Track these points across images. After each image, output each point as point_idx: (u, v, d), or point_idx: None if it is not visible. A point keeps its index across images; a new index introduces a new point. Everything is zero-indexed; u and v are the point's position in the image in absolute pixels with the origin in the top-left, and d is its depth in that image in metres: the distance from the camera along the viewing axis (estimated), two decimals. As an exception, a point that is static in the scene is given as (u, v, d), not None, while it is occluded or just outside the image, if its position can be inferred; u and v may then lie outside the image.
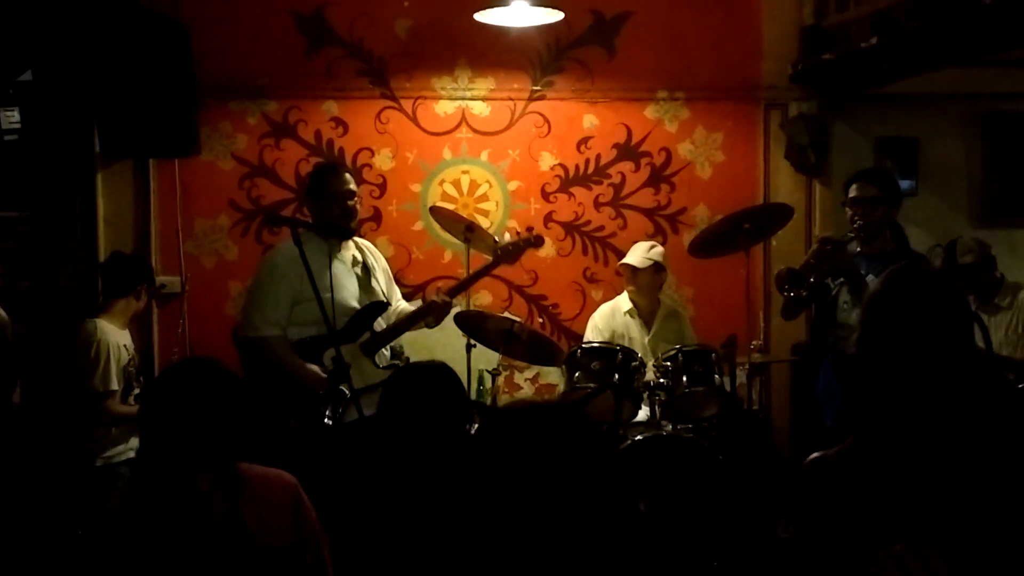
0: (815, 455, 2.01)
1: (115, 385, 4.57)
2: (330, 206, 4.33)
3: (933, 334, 1.90)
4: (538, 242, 4.70)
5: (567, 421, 1.56)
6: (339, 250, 4.34)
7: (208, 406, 2.46)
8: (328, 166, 4.73)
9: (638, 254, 5.27)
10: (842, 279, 4.40)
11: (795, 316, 4.78)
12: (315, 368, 4.17)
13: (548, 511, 1.48)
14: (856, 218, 4.41)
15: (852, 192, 4.45)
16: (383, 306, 4.40)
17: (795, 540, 1.97)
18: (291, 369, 4.19)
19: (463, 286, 4.64)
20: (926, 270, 2.06)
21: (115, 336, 4.63)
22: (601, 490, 1.52)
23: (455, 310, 4.74)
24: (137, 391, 4.69)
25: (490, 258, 4.64)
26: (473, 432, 3.02)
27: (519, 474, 1.50)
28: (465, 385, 3.74)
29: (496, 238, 4.77)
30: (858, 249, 4.41)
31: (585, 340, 5.30)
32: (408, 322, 4.43)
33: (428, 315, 4.43)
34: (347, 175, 4.45)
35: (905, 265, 2.08)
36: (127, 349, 4.69)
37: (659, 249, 5.35)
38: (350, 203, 4.37)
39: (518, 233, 4.71)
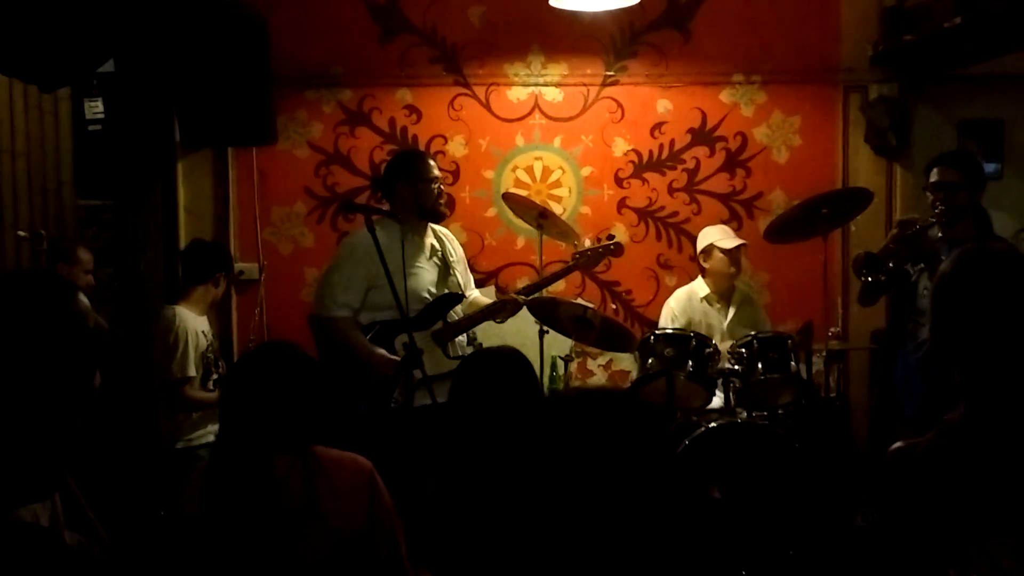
0: (899, 444, 1.95)
1: (192, 371, 4.66)
2: (428, 190, 4.41)
3: (1006, 315, 1.84)
4: (618, 251, 4.72)
5: (617, 406, 1.56)
6: (415, 238, 4.38)
7: (287, 389, 2.50)
8: (416, 152, 4.81)
9: (727, 235, 5.22)
10: (922, 265, 4.30)
11: (873, 302, 4.69)
12: (382, 351, 4.21)
13: (606, 494, 1.48)
14: (938, 203, 4.30)
15: (933, 176, 4.35)
16: (458, 298, 4.43)
17: (878, 530, 1.92)
18: (358, 350, 4.24)
19: (537, 287, 4.64)
20: (996, 249, 1.98)
21: (193, 322, 4.72)
22: (660, 473, 1.52)
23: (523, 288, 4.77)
24: (216, 376, 4.78)
25: (568, 261, 4.70)
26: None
27: (575, 459, 1.50)
28: (538, 372, 3.74)
29: (576, 243, 4.78)
30: (939, 235, 4.31)
31: (660, 326, 5.27)
32: (479, 317, 4.48)
33: (500, 313, 4.46)
34: (433, 161, 4.58)
35: (974, 245, 2.01)
36: (205, 335, 4.77)
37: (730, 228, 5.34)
38: (442, 188, 4.50)
39: (599, 239, 4.70)
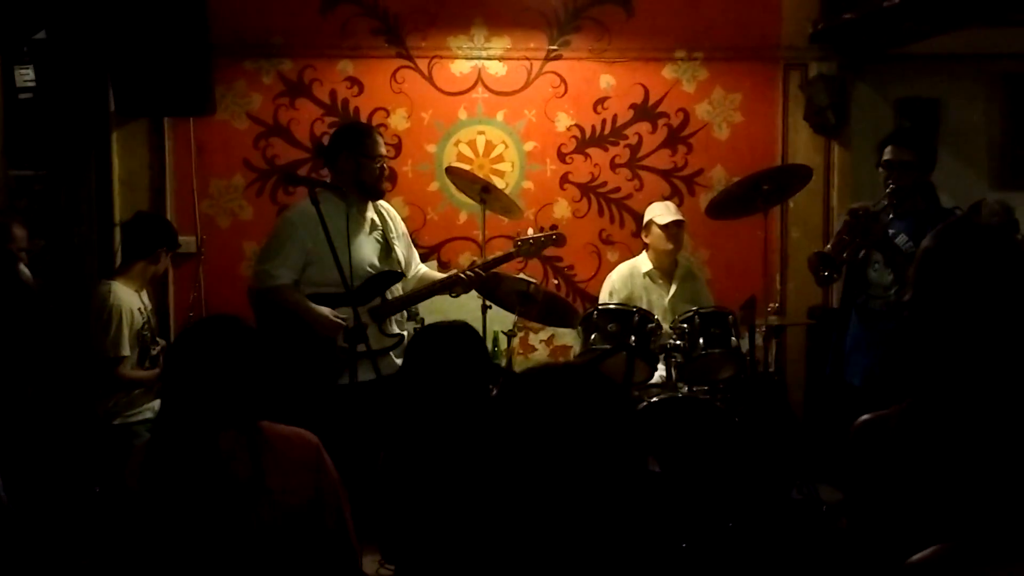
0: (867, 417, 1.97)
1: (126, 351, 4.57)
2: (369, 166, 4.36)
3: (989, 286, 1.87)
4: (560, 241, 4.76)
5: (583, 380, 1.56)
6: (357, 212, 4.33)
7: (231, 363, 2.46)
8: (365, 127, 4.74)
9: (669, 211, 5.25)
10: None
11: (831, 283, 4.77)
12: (327, 311, 4.17)
13: (565, 470, 1.48)
14: (890, 181, 4.36)
15: (887, 155, 4.40)
16: (398, 276, 4.40)
17: (847, 504, 1.94)
18: (304, 314, 4.20)
19: (486, 266, 4.60)
20: (978, 224, 2.02)
21: (129, 299, 4.63)
22: (617, 448, 1.52)
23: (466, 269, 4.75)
24: (154, 354, 4.70)
25: (510, 249, 4.70)
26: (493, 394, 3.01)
27: (536, 434, 1.50)
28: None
29: (518, 232, 4.78)
30: (890, 216, 4.37)
31: (600, 301, 5.29)
32: (428, 292, 4.47)
33: (451, 287, 4.45)
34: (381, 139, 4.52)
35: (956, 220, 2.05)
36: (142, 312, 4.68)
37: (674, 205, 5.38)
38: (385, 165, 4.44)
39: (541, 229, 4.73)
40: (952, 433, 1.82)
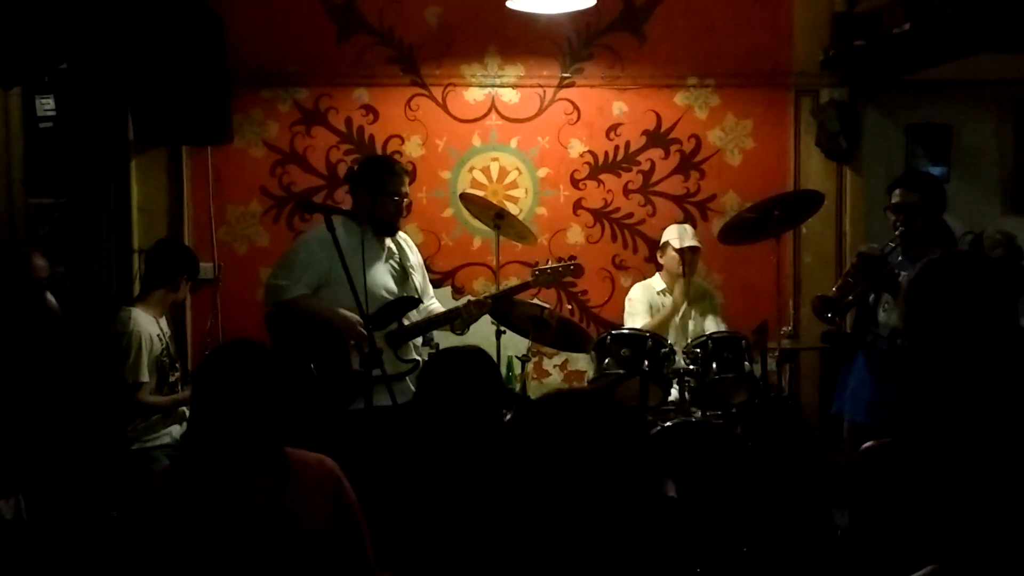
0: (871, 444, 2.00)
1: (145, 377, 4.60)
2: (386, 203, 4.39)
3: (977, 313, 1.90)
4: (577, 272, 4.78)
5: (598, 407, 1.58)
6: (373, 239, 4.37)
7: (260, 387, 2.48)
8: (391, 163, 4.68)
9: (686, 235, 5.29)
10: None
11: (834, 324, 4.75)
12: (350, 314, 4.18)
13: (580, 495, 1.50)
14: (898, 224, 4.37)
15: (895, 198, 4.40)
16: (415, 302, 4.42)
17: (850, 528, 1.96)
18: (327, 316, 4.22)
19: (496, 299, 4.61)
20: (963, 252, 2.05)
21: (148, 326, 4.67)
22: (632, 474, 1.54)
23: (485, 295, 4.77)
24: (172, 380, 4.73)
25: (528, 279, 4.69)
26: (508, 419, 3.04)
27: (552, 459, 1.52)
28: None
29: (538, 261, 4.79)
30: (899, 259, 4.36)
31: (627, 316, 5.33)
32: (435, 323, 4.49)
33: (456, 319, 4.47)
34: (406, 177, 4.54)
35: (942, 251, 2.09)
36: (160, 339, 4.72)
37: (692, 229, 5.42)
38: (403, 203, 4.47)
39: (560, 259, 4.74)
40: (952, 459, 1.84)
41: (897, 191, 4.42)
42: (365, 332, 3.94)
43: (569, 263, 4.73)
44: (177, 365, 4.83)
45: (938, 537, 1.56)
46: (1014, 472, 1.78)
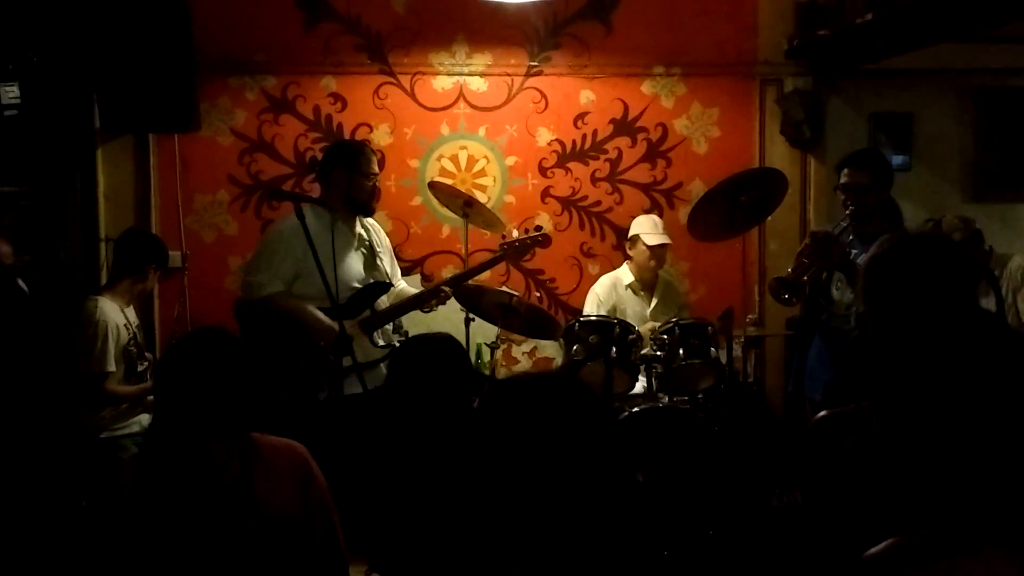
0: (825, 413, 2.05)
1: (111, 367, 4.59)
2: (362, 183, 4.41)
3: (936, 289, 1.96)
4: (545, 242, 4.75)
5: (563, 389, 1.60)
6: (343, 226, 4.39)
7: (224, 374, 2.50)
8: (360, 145, 4.73)
9: (657, 230, 5.32)
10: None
11: (792, 305, 4.81)
12: (322, 315, 4.20)
13: (548, 478, 1.52)
14: (848, 203, 4.40)
15: (843, 178, 4.43)
16: (386, 287, 4.45)
17: (804, 498, 2.01)
18: (300, 316, 4.24)
19: (465, 276, 4.65)
20: (921, 233, 2.12)
21: (115, 315, 4.65)
22: (599, 457, 1.56)
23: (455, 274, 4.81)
24: (140, 369, 4.72)
25: (495, 251, 4.72)
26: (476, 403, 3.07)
27: (518, 443, 1.53)
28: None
29: (504, 234, 4.80)
30: (851, 237, 4.40)
31: (585, 312, 5.37)
32: (408, 305, 4.51)
33: (430, 300, 4.50)
34: (375, 157, 4.59)
35: (898, 232, 2.15)
36: (127, 328, 4.70)
37: (661, 222, 5.45)
38: (376, 184, 4.51)
39: (526, 231, 4.73)
40: (908, 429, 1.89)
41: (846, 171, 4.44)
42: (335, 328, 3.98)
43: (537, 235, 4.68)
44: (147, 355, 4.82)
45: (895, 505, 1.60)
46: (973, 444, 1.83)
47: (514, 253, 4.70)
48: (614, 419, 4.53)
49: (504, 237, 4.76)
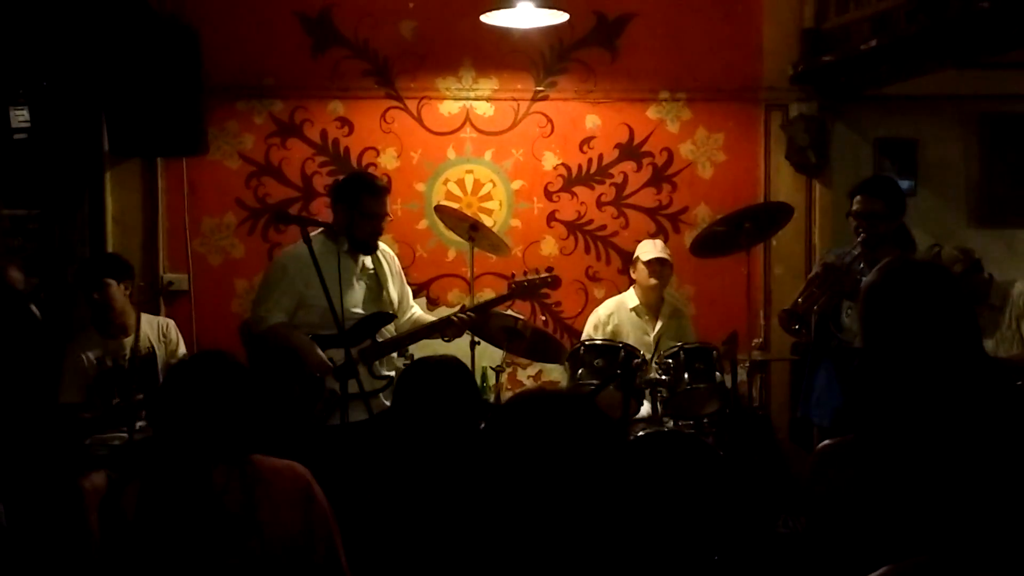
0: (829, 442, 2.05)
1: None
2: (364, 224, 4.38)
3: (931, 319, 1.96)
4: (555, 283, 4.70)
5: (580, 410, 1.58)
6: (348, 253, 4.38)
7: (224, 398, 2.50)
8: (373, 183, 4.57)
9: (655, 249, 5.34)
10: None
11: (801, 336, 4.80)
12: (318, 349, 4.21)
13: (560, 499, 1.51)
14: (860, 231, 4.41)
15: (856, 205, 4.43)
16: (389, 317, 4.43)
17: (806, 526, 2.01)
18: (299, 349, 4.24)
19: (481, 308, 4.61)
20: (919, 260, 2.12)
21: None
22: (613, 479, 1.55)
23: (462, 306, 4.81)
24: (115, 403, 4.56)
25: (506, 292, 4.71)
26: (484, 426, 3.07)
27: (530, 462, 1.52)
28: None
29: (513, 273, 4.74)
30: (862, 265, 4.40)
31: (584, 334, 5.37)
32: (421, 334, 4.50)
33: (443, 330, 4.49)
34: (386, 196, 4.51)
35: (897, 258, 2.15)
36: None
37: (662, 244, 5.46)
38: (382, 223, 4.45)
39: (536, 271, 4.69)
40: (907, 458, 1.90)
41: (858, 198, 4.44)
42: (331, 368, 4.00)
43: (547, 276, 4.64)
44: (136, 390, 4.61)
45: (894, 535, 1.60)
46: (971, 474, 1.84)
47: (523, 293, 4.67)
48: (630, 445, 4.53)
49: (513, 276, 4.74)
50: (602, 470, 1.54)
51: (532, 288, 4.66)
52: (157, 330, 4.84)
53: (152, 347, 4.76)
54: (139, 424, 4.31)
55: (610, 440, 1.57)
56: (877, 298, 2.06)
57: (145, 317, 4.80)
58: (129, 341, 4.70)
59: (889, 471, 1.89)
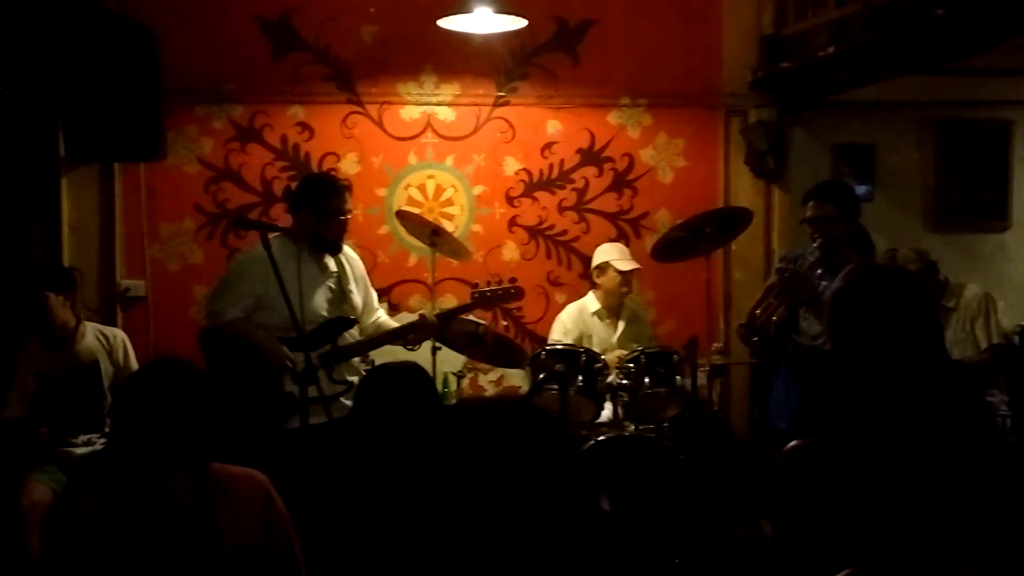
0: (794, 443, 2.07)
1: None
2: (329, 223, 4.37)
3: (898, 323, 2.00)
4: (518, 294, 4.69)
5: (519, 414, 1.59)
6: (310, 257, 4.36)
7: (180, 406, 2.49)
8: (331, 183, 4.60)
9: (625, 256, 5.36)
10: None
11: (760, 347, 4.82)
12: (278, 344, 4.19)
13: (508, 504, 1.51)
14: (816, 236, 4.44)
15: (809, 211, 4.46)
16: (350, 322, 4.41)
17: (773, 528, 2.03)
18: (259, 343, 4.21)
19: (444, 317, 4.59)
20: (882, 265, 2.16)
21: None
22: (559, 484, 1.55)
23: (421, 312, 4.79)
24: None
25: (468, 301, 4.69)
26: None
27: (476, 468, 1.53)
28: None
29: (478, 283, 4.74)
30: (819, 271, 4.42)
31: (552, 339, 5.38)
32: (386, 338, 4.48)
33: (409, 334, 4.47)
34: (348, 194, 4.54)
35: (862, 263, 2.19)
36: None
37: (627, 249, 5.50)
38: (346, 221, 4.46)
39: (500, 281, 4.68)
40: (873, 459, 1.92)
41: (811, 203, 4.47)
42: (291, 364, 3.97)
43: (510, 287, 4.61)
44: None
45: (860, 536, 1.62)
46: (936, 475, 1.86)
47: (485, 303, 4.66)
48: (574, 445, 4.52)
49: (476, 286, 4.74)
50: (545, 472, 1.53)
51: (495, 299, 4.64)
52: (102, 340, 4.71)
53: (96, 358, 4.63)
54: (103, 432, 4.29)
55: (550, 441, 1.56)
56: (844, 304, 2.09)
57: (91, 326, 4.71)
58: (71, 352, 4.59)
59: (855, 472, 1.91)
